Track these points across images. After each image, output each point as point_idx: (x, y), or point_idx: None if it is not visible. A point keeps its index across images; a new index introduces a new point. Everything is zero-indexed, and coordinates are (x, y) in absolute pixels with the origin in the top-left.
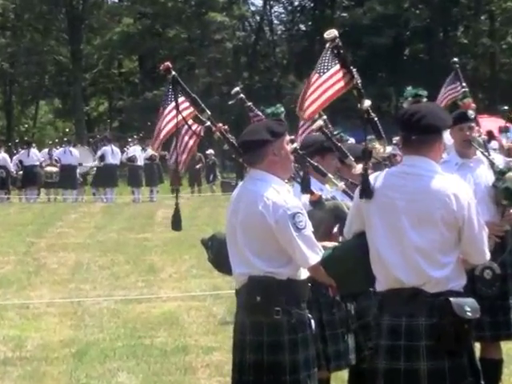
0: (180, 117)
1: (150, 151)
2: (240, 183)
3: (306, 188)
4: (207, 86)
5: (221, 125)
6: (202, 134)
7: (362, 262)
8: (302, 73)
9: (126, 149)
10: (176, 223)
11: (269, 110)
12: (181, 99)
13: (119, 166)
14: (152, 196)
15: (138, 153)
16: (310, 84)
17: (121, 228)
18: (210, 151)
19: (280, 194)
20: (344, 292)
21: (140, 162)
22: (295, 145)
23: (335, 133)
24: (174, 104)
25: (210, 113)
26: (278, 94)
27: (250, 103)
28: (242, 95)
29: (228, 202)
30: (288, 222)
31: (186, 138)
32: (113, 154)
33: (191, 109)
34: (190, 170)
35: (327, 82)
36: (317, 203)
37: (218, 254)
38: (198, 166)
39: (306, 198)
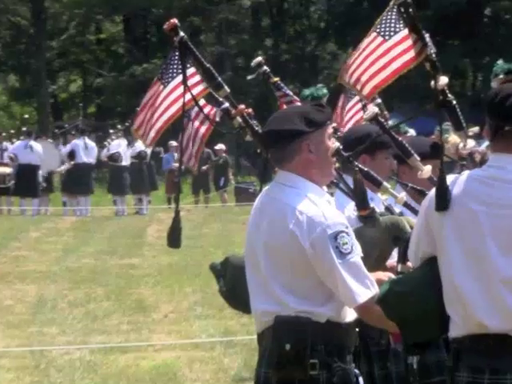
0: (189, 96)
1: (139, 146)
2: (264, 190)
3: (363, 204)
4: (217, 57)
5: (243, 107)
6: (217, 118)
7: (435, 299)
8: (344, 40)
9: (106, 143)
10: (173, 238)
11: (307, 92)
12: (189, 71)
13: (96, 166)
14: (141, 207)
15: (123, 148)
16: (372, 50)
17: (99, 251)
18: (221, 146)
19: (318, 206)
20: (410, 340)
21: (125, 162)
22: (336, 144)
23: (390, 123)
24: (180, 78)
25: (229, 90)
26: (313, 68)
27: (276, 78)
28: (265, 67)
29: (245, 216)
30: (328, 244)
31: (197, 123)
32: (86, 150)
33: (203, 85)
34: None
35: (394, 49)
36: (368, 218)
37: (233, 284)
38: (205, 167)
39: (351, 210)
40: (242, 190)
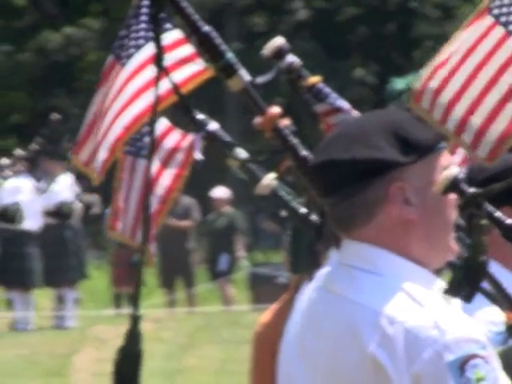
0: (167, 82)
1: (59, 192)
2: (316, 278)
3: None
4: (212, 13)
5: (276, 111)
6: (196, 155)
7: None
8: None
9: None
10: None
11: (399, 84)
12: (172, 36)
13: None
14: (62, 314)
15: (27, 196)
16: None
17: None
18: (221, 192)
19: (425, 307)
20: None
21: (31, 223)
22: (452, 172)
23: None
24: (150, 50)
25: (248, 77)
26: (403, 35)
27: (315, 78)
28: (291, 58)
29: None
30: (448, 381)
31: (171, 141)
32: None
33: (198, 64)
34: (162, 241)
35: None
36: None
37: None
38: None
39: (489, 315)
40: (264, 280)
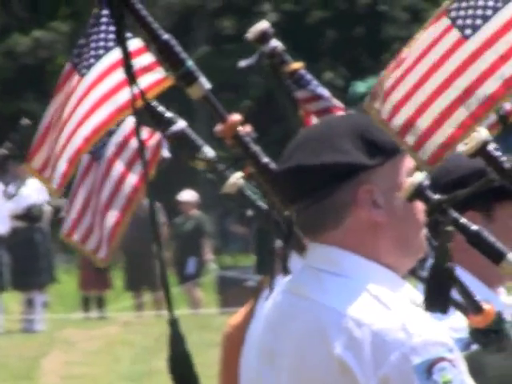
0: (134, 89)
1: (28, 195)
2: (282, 283)
3: (475, 303)
4: (180, 15)
5: (236, 118)
6: (164, 153)
7: None
8: None
9: None
10: None
11: (362, 86)
12: (132, 45)
13: None
14: (31, 318)
15: None
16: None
17: None
18: (189, 195)
19: (392, 310)
20: None
21: (0, 227)
22: (417, 179)
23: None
24: (112, 58)
25: (209, 85)
26: (372, 36)
27: (297, 64)
28: (275, 42)
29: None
30: None
31: (120, 166)
32: None
33: (158, 72)
34: (127, 245)
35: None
36: (489, 335)
37: None
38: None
39: (452, 320)
40: (232, 283)
